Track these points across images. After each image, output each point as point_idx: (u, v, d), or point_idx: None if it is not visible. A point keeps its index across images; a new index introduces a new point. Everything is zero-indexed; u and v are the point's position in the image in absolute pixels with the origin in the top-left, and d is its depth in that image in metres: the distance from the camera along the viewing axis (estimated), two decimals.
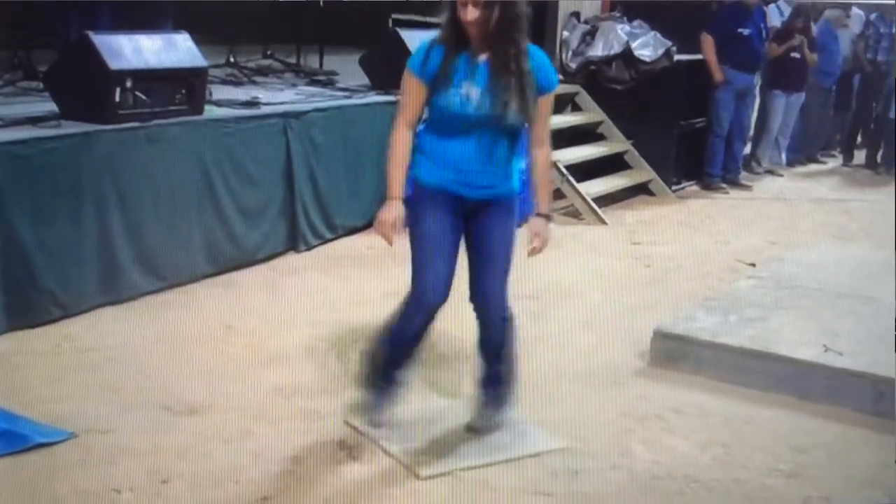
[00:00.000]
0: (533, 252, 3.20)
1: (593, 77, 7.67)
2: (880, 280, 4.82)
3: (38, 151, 4.08)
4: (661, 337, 4.12)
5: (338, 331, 4.29)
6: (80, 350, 3.94)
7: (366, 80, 6.29)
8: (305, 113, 5.43)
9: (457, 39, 3.05)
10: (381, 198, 3.20)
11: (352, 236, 5.68)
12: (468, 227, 3.21)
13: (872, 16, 9.53)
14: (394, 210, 3.12)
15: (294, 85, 6.35)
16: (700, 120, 8.08)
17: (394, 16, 7.33)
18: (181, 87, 4.71)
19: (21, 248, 4.01)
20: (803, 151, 9.69)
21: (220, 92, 5.50)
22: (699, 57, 7.92)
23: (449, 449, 3.26)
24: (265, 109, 5.26)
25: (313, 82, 6.49)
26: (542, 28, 8.04)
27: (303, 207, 5.41)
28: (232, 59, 6.63)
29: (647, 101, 7.58)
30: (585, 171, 7.15)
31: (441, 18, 3.15)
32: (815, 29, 9.11)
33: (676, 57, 7.67)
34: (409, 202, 3.19)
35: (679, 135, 7.85)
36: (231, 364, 3.91)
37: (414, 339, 3.26)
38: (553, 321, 4.58)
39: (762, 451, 3.40)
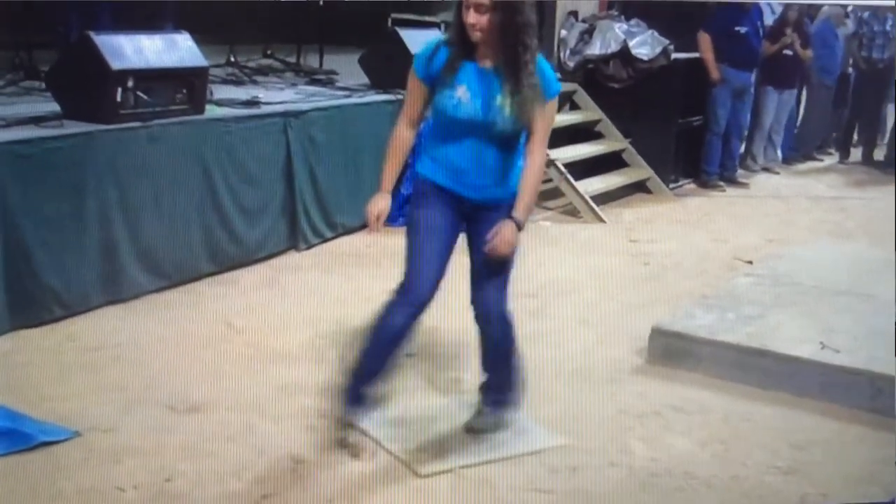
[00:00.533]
0: (490, 250, 3.07)
1: (591, 75, 7.68)
2: (877, 277, 4.85)
3: (40, 151, 4.09)
4: (659, 334, 4.14)
5: (339, 329, 4.30)
6: (83, 349, 3.96)
7: (365, 80, 6.30)
8: (305, 112, 5.44)
9: (462, 42, 3.05)
10: None
11: (352, 235, 5.69)
12: (469, 229, 3.21)
13: (865, 14, 9.56)
14: (380, 202, 3.15)
15: (294, 84, 6.37)
16: (697, 118, 8.10)
17: (393, 15, 7.35)
18: (182, 86, 4.73)
19: (24, 247, 4.03)
20: (800, 149, 9.71)
21: (220, 91, 5.52)
22: (696, 55, 7.94)
23: (449, 447, 3.29)
24: (265, 109, 5.28)
25: (313, 82, 6.50)
26: (540, 27, 8.05)
27: (303, 206, 5.43)
28: (232, 59, 6.64)
29: (644, 100, 7.60)
30: (583, 169, 7.17)
31: (449, 18, 3.18)
32: (811, 26, 9.14)
33: (674, 55, 7.69)
34: (409, 197, 3.24)
35: (676, 133, 7.87)
36: (233, 362, 3.93)
37: (397, 335, 3.18)
38: (551, 319, 4.60)
39: (760, 448, 3.42)
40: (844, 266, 5.23)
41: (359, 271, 5.10)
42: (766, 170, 9.06)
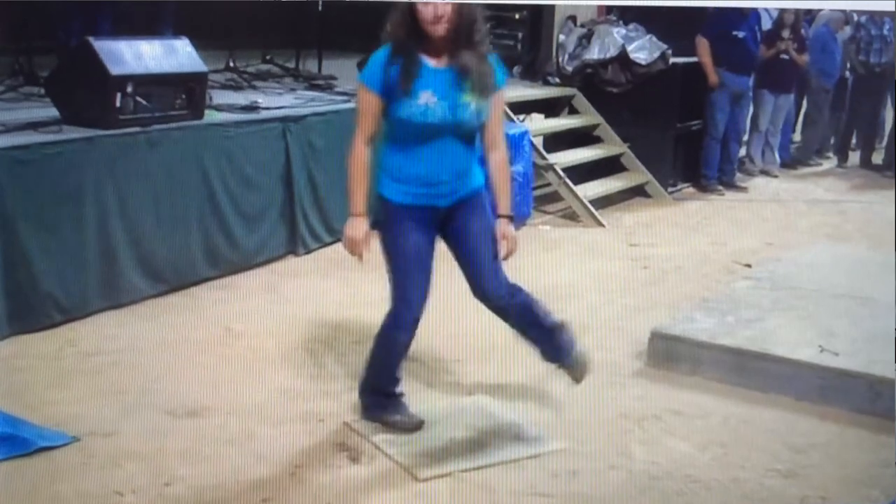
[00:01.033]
0: (507, 256, 3.24)
1: (590, 80, 7.69)
2: (876, 280, 4.85)
3: (39, 156, 4.11)
4: (659, 338, 4.15)
5: (338, 333, 4.32)
6: (83, 354, 3.97)
7: None
8: (304, 117, 5.46)
9: (416, 45, 3.05)
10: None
11: None
12: (445, 230, 3.24)
13: (863, 18, 9.57)
14: (359, 227, 3.17)
15: (293, 89, 6.38)
16: (696, 122, 8.11)
17: None
18: (181, 92, 4.74)
19: (23, 252, 4.04)
20: (802, 154, 9.72)
21: (220, 97, 5.53)
22: (695, 60, 7.95)
23: (448, 451, 3.29)
24: (264, 114, 5.30)
25: (312, 87, 6.51)
26: (539, 32, 8.09)
27: (302, 211, 5.44)
28: (231, 64, 6.65)
29: (643, 104, 7.60)
30: (582, 173, 7.18)
31: (391, 23, 3.11)
32: (809, 30, 9.15)
33: (672, 60, 7.70)
34: (380, 222, 3.21)
35: (675, 137, 7.87)
36: (232, 367, 3.93)
37: (400, 355, 3.33)
38: None
39: (760, 451, 3.42)
40: (843, 269, 5.23)
41: (357, 276, 5.07)
42: (764, 173, 9.07)
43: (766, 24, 8.68)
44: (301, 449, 3.28)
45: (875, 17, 9.39)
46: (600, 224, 6.75)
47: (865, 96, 9.67)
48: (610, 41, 7.67)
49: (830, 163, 10.07)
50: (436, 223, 3.21)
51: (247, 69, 6.75)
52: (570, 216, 6.84)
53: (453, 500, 3.05)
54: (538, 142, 6.99)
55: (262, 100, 5.63)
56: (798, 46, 8.63)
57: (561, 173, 6.80)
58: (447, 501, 3.04)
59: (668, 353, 4.10)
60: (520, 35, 8.10)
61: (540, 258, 5.64)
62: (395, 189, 3.17)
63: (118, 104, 4.42)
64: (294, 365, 3.99)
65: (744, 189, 8.37)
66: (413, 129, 3.08)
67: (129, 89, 4.45)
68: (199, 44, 4.94)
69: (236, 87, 6.22)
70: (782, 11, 8.55)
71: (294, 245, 5.43)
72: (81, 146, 4.27)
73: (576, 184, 6.88)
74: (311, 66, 7.15)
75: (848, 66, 9.67)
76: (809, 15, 9.46)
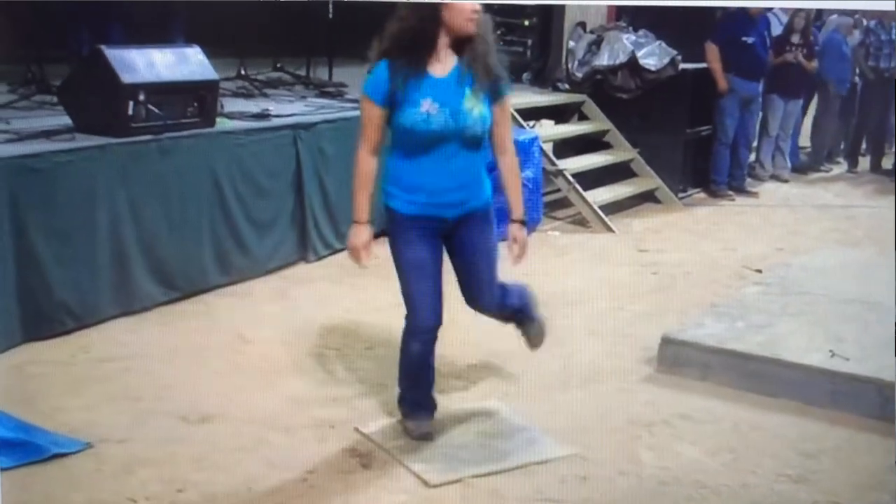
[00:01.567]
0: (517, 260, 3.27)
1: (599, 86, 7.70)
2: (886, 286, 4.84)
3: (52, 164, 4.14)
4: (668, 343, 4.15)
5: (349, 339, 4.33)
6: (95, 360, 3.99)
7: None
8: (315, 124, 5.48)
9: (420, 51, 3.08)
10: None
11: None
12: (449, 242, 3.26)
13: (871, 23, 9.56)
14: (362, 234, 3.20)
15: (304, 97, 6.41)
16: (706, 128, 8.11)
17: None
18: (193, 100, 4.77)
19: (35, 259, 4.07)
20: (814, 160, 9.71)
21: (231, 104, 5.56)
22: (704, 66, 7.95)
23: (458, 457, 3.30)
24: (275, 121, 5.32)
25: (322, 94, 6.54)
26: (549, 38, 8.11)
27: (313, 218, 5.46)
28: (243, 72, 6.68)
29: (652, 110, 7.60)
30: (592, 179, 7.18)
31: (389, 36, 3.11)
32: (819, 36, 9.14)
33: (681, 66, 7.70)
34: (389, 232, 3.24)
35: (685, 143, 7.87)
36: (244, 373, 3.95)
37: (422, 366, 3.34)
38: (560, 328, 4.57)
39: (770, 457, 3.43)
40: (853, 274, 5.22)
41: (368, 282, 5.10)
42: (774, 177, 9.06)
43: (776, 30, 8.67)
44: (313, 455, 3.29)
45: (884, 21, 9.38)
46: (610, 230, 6.75)
47: (875, 101, 9.65)
48: (619, 47, 7.68)
49: (840, 168, 10.05)
50: (442, 235, 3.23)
51: (258, 77, 6.79)
52: (580, 222, 6.85)
53: None
54: (548, 148, 7.01)
55: (272, 107, 5.66)
56: (808, 52, 8.63)
57: (571, 179, 6.81)
58: None
59: (678, 359, 4.10)
60: (529, 42, 8.14)
61: (549, 264, 5.65)
62: (401, 199, 3.18)
63: (130, 112, 4.44)
64: (305, 371, 4.01)
65: (754, 194, 8.36)
66: (417, 137, 3.10)
67: (141, 97, 4.48)
68: (211, 52, 4.97)
69: (247, 95, 6.25)
70: (793, 17, 8.55)
71: (305, 251, 5.46)
72: (94, 154, 4.31)
73: (585, 189, 6.89)
74: (321, 73, 7.18)
75: (857, 71, 9.65)
76: (819, 21, 9.46)
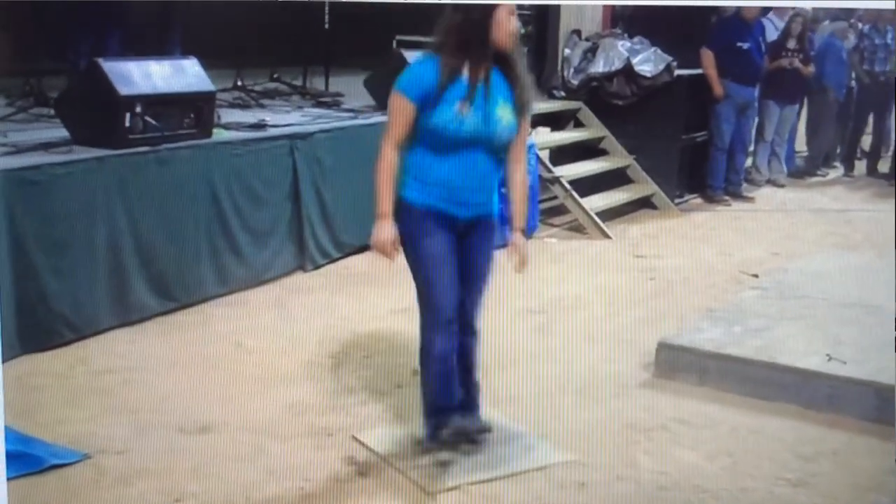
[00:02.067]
0: (520, 268, 3.27)
1: (595, 93, 7.72)
2: (883, 289, 4.85)
3: (49, 176, 4.15)
4: (666, 348, 4.16)
5: (347, 348, 4.34)
6: (94, 372, 4.00)
7: (371, 101, 6.35)
8: (311, 134, 5.49)
9: (463, 54, 3.11)
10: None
11: (359, 254, 5.72)
12: (459, 246, 3.25)
13: (865, 28, 9.59)
14: (387, 228, 3.18)
15: (300, 107, 6.42)
16: (702, 133, 8.12)
17: (398, 37, 7.41)
18: (190, 111, 4.79)
19: (34, 271, 4.07)
20: (811, 164, 9.73)
21: (228, 115, 5.57)
22: (700, 71, 7.97)
23: (456, 463, 3.30)
24: (272, 132, 5.33)
25: (319, 104, 6.56)
26: (544, 45, 8.13)
27: (310, 227, 5.47)
28: (239, 83, 6.70)
29: (648, 116, 7.62)
30: (588, 186, 7.19)
31: (444, 33, 3.16)
32: (815, 41, 9.17)
33: (677, 72, 7.72)
34: (401, 226, 3.21)
35: (681, 148, 7.89)
36: (242, 383, 3.96)
37: (444, 361, 3.25)
38: (558, 335, 4.61)
39: (769, 460, 3.43)
40: (850, 278, 5.23)
41: (366, 291, 5.12)
42: (770, 182, 9.07)
43: (772, 35, 8.70)
44: (310, 463, 3.30)
45: (878, 25, 9.41)
46: (607, 236, 6.76)
47: (871, 105, 9.67)
48: (615, 54, 7.70)
49: (837, 172, 10.06)
50: (455, 232, 3.22)
51: (254, 87, 6.80)
52: (577, 228, 6.86)
53: None
54: (544, 155, 7.02)
55: (269, 118, 5.67)
56: (804, 57, 8.65)
57: (567, 186, 6.83)
58: None
59: (676, 364, 4.11)
60: (525, 49, 8.14)
61: (546, 270, 5.66)
62: (417, 191, 3.17)
63: (127, 124, 4.46)
64: (303, 380, 4.01)
65: (750, 199, 8.37)
66: (446, 137, 3.12)
67: (139, 109, 4.49)
68: (207, 63, 4.98)
69: (244, 106, 6.26)
70: (790, 22, 8.58)
71: (302, 261, 5.46)
72: (91, 166, 4.32)
73: (582, 196, 6.90)
74: (318, 83, 7.20)
75: (853, 75, 9.68)
76: (815, 25, 9.48)
